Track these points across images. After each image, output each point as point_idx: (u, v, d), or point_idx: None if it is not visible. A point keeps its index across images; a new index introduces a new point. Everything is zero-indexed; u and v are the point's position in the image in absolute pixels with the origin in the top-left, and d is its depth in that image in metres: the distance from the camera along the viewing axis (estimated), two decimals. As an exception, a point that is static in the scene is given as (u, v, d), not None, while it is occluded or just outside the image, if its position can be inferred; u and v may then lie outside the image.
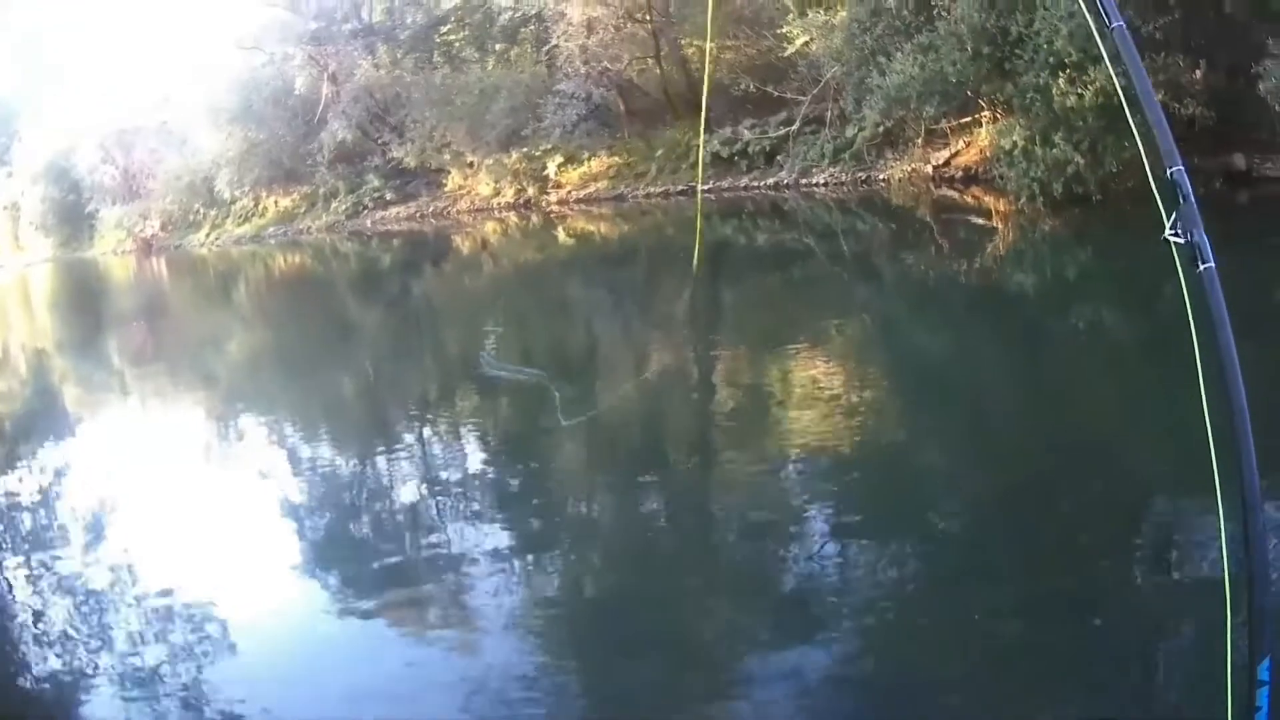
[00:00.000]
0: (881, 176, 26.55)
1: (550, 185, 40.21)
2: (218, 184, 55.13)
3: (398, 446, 12.87)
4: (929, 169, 25.22)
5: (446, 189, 44.17)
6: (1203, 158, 17.32)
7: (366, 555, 9.31)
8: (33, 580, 10.30)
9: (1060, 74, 18.08)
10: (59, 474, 14.76)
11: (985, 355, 12.69)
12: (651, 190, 35.76)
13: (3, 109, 37.46)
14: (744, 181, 31.63)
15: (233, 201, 56.48)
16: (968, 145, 24.80)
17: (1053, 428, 9.43)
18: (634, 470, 10.09)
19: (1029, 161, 18.83)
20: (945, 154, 25.14)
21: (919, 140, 25.93)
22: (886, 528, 7.84)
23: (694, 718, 6.08)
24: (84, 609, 9.21)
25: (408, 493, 11.11)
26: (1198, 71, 18.13)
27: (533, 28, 41.74)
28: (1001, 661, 5.99)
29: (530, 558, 8.69)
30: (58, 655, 8.32)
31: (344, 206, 49.15)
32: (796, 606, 7.05)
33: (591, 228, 34.75)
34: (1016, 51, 19.69)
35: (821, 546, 7.77)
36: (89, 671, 7.82)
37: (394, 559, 9.19)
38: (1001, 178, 20.47)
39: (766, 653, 6.58)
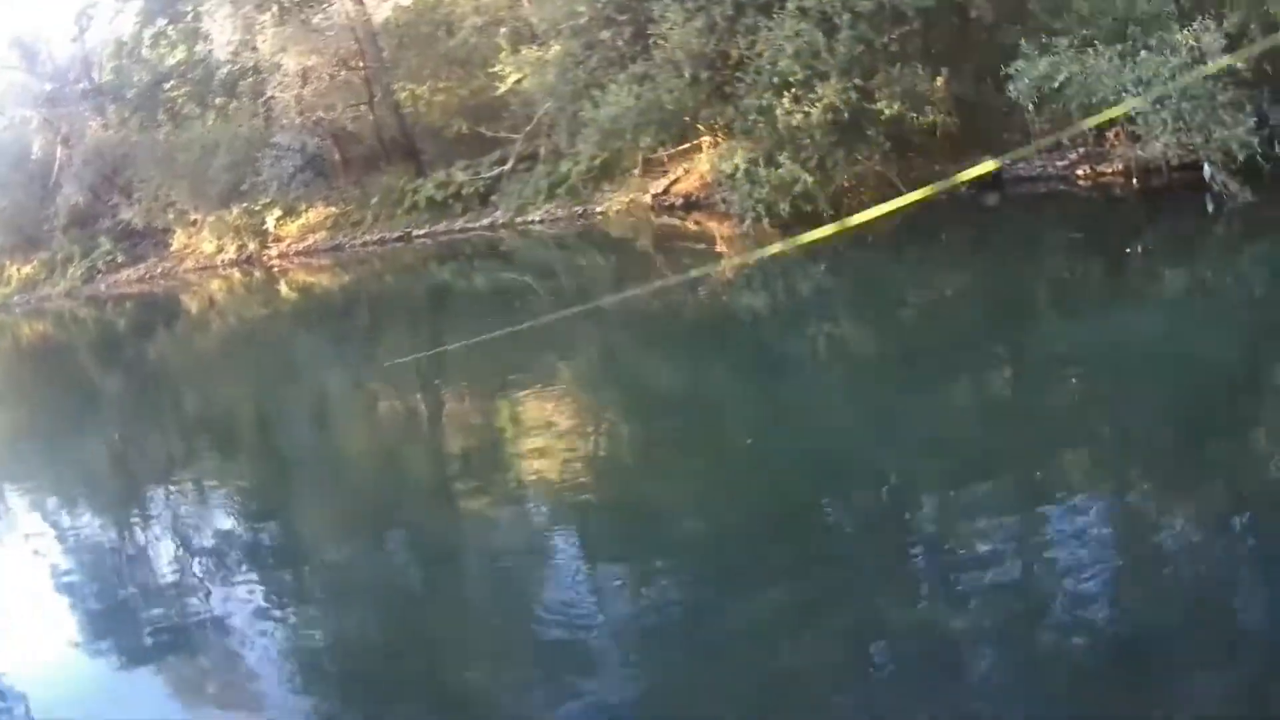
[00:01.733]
0: (599, 209, 24.94)
1: (270, 239, 37.25)
2: (-41, 251, 52.72)
3: (143, 507, 12.30)
4: (648, 198, 23.78)
5: (173, 248, 40.74)
6: (944, 164, 16.03)
7: (122, 608, 9.25)
8: None
9: (785, 93, 17.37)
10: None
11: (712, 381, 12.21)
12: (368, 238, 33.38)
13: None
14: (459, 224, 29.54)
15: (-23, 269, 54.07)
16: (687, 172, 23.49)
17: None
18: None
19: (752, 183, 17.70)
20: (664, 182, 23.80)
21: (636, 170, 24.55)
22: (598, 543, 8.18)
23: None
24: None
25: (160, 551, 10.70)
26: (939, 80, 17.51)
27: (250, 80, 38.43)
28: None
29: (279, 604, 8.60)
30: None
31: (79, 271, 44.83)
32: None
33: (312, 279, 32.51)
34: (738, 74, 18.71)
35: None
36: None
37: (154, 612, 8.98)
38: (724, 201, 19.32)
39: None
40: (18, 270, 48.80)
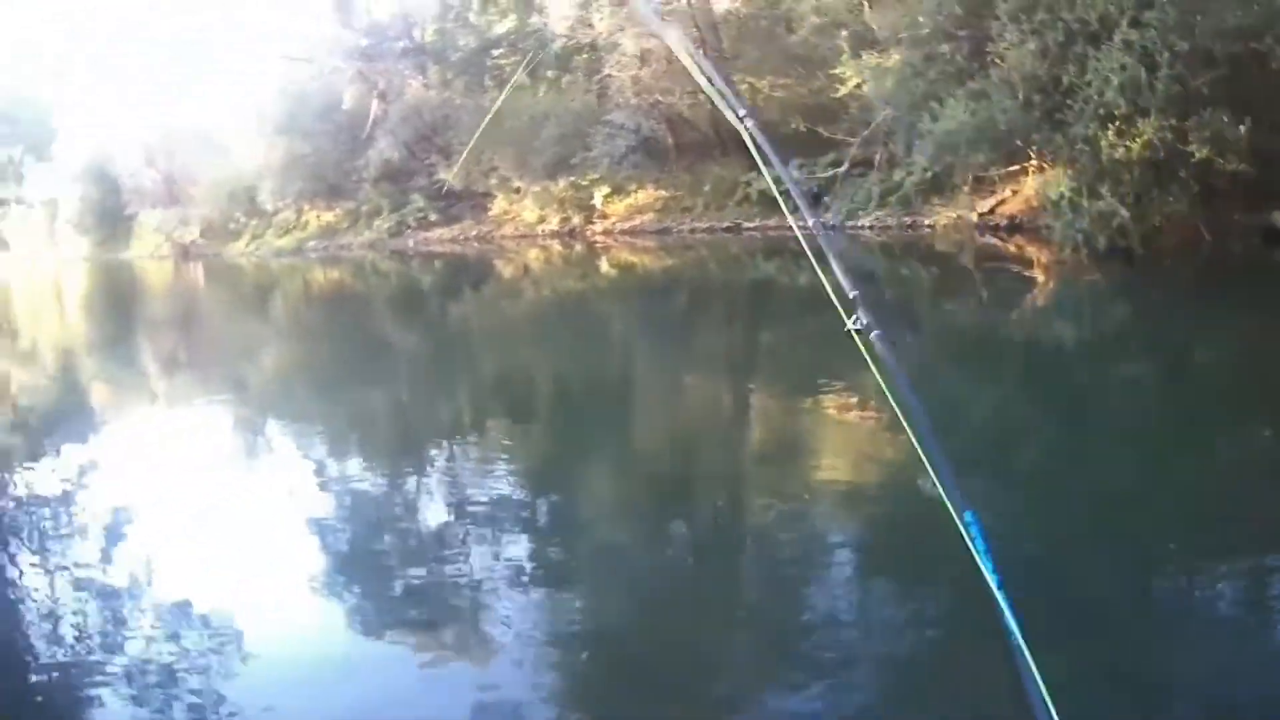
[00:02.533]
0: (927, 222, 26.92)
1: (596, 215, 40.80)
2: (260, 194, 56.18)
3: (424, 468, 12.79)
4: (974, 216, 25.62)
5: (491, 213, 44.85)
6: (1242, 214, 17.91)
7: (386, 570, 9.49)
8: (49, 576, 10.36)
9: (1110, 125, 18.34)
10: (82, 473, 14.49)
11: (1020, 406, 12.78)
12: (697, 225, 36.29)
13: (43, 106, 38.42)
14: (790, 221, 31.41)
15: (274, 213, 57.39)
16: (1014, 194, 25.10)
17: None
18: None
19: (1075, 213, 19.06)
20: (991, 202, 25.50)
21: (965, 187, 26.22)
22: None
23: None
24: (99, 610, 9.11)
25: (434, 514, 11.15)
26: (1241, 127, 18.10)
27: (585, 56, 42.31)
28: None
29: (539, 579, 8.79)
30: (70, 652, 8.30)
31: (387, 225, 49.80)
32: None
33: (635, 259, 35.29)
34: (1067, 101, 19.95)
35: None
36: (100, 672, 7.73)
37: (416, 576, 9.30)
38: (1047, 228, 20.69)
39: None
40: (316, 217, 54.69)
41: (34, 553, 11.27)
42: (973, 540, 3.21)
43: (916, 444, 3.55)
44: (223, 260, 59.56)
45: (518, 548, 9.69)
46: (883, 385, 3.76)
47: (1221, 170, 17.78)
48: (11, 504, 13.45)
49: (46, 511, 12.80)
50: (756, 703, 6.50)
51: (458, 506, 11.00)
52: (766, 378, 16.64)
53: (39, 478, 14.41)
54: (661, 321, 23.27)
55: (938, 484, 3.39)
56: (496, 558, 9.35)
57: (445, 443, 14.01)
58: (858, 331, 3.85)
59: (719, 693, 6.74)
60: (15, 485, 14.22)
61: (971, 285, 21.13)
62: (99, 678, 7.54)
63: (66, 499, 13.25)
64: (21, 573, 10.54)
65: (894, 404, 3.72)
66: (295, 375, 21.62)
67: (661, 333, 21.80)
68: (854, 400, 13.10)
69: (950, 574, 6.93)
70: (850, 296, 3.92)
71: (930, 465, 3.46)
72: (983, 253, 24.00)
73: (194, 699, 7.18)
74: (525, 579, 8.71)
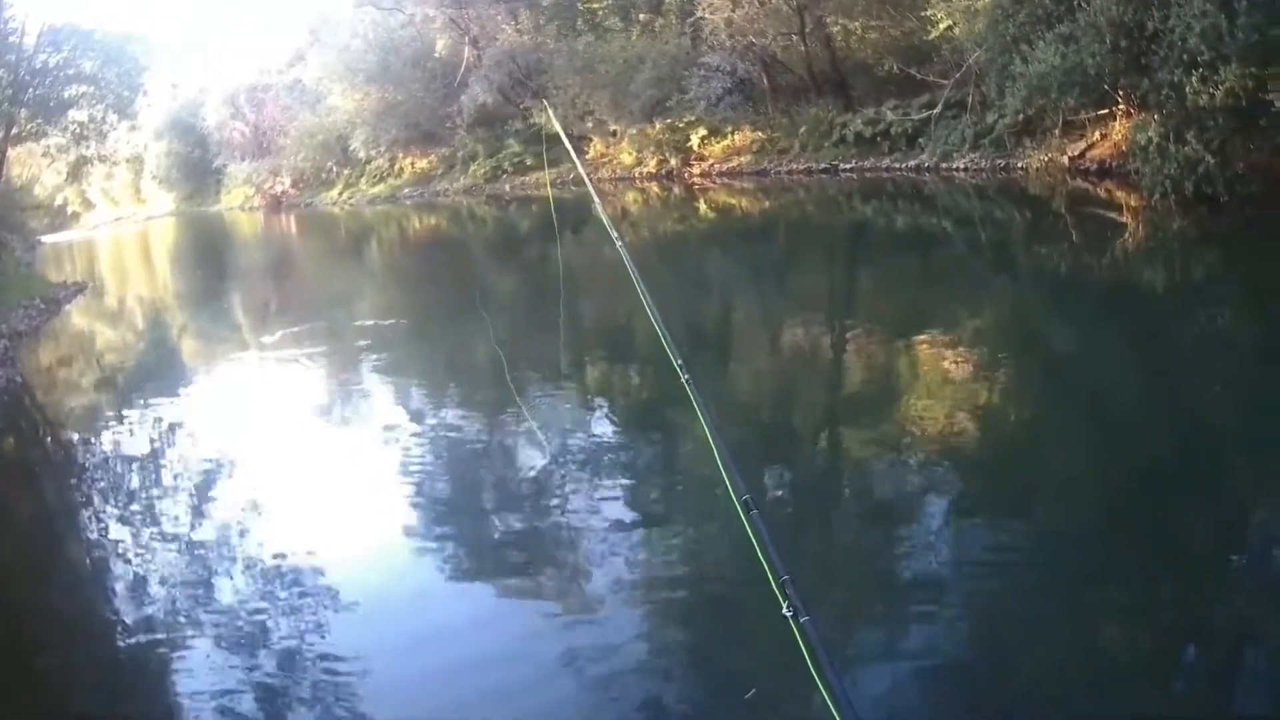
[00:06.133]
0: (1019, 164, 27.23)
1: (693, 157, 41.60)
2: (352, 143, 57.32)
3: (523, 412, 12.67)
4: (1065, 160, 25.86)
5: (588, 156, 45.35)
6: None
7: (483, 515, 9.86)
8: (134, 530, 10.89)
9: (1193, 72, 18.76)
10: (174, 427, 15.21)
11: (1111, 352, 12.82)
12: (794, 167, 37.00)
13: (127, 61, 39.70)
14: (885, 163, 32.88)
15: (367, 161, 58.66)
16: (1103, 138, 25.38)
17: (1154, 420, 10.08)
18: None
19: (1163, 158, 19.42)
20: (1081, 145, 25.75)
21: (1056, 130, 26.65)
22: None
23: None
24: (192, 561, 9.66)
25: (531, 458, 11.11)
26: None
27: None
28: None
29: (634, 524, 9.05)
30: (162, 602, 8.85)
31: (483, 170, 50.99)
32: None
33: (732, 201, 35.82)
34: (1152, 47, 20.64)
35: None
36: (198, 619, 8.29)
37: (515, 521, 9.59)
38: (1136, 173, 21.02)
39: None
40: (411, 164, 55.91)
41: (131, 499, 12.20)
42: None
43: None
44: (315, 209, 60.60)
45: (615, 490, 10.00)
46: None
47: None
48: (113, 451, 14.48)
49: (146, 458, 13.92)
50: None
51: (556, 450, 11.19)
52: (866, 319, 16.82)
53: (135, 428, 15.52)
54: (761, 263, 23.80)
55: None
56: (594, 501, 9.65)
57: (545, 386, 14.25)
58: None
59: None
60: (115, 434, 15.27)
61: (1064, 228, 21.49)
62: (192, 627, 8.21)
63: (164, 446, 14.44)
64: (121, 517, 11.44)
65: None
66: (392, 320, 22.23)
67: (761, 275, 22.37)
68: (948, 339, 13.71)
69: (1036, 510, 8.22)
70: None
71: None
72: (1074, 196, 24.09)
73: (287, 645, 7.76)
74: (624, 521, 9.09)
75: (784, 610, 3.84)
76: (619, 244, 8.29)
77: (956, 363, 12.90)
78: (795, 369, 14.47)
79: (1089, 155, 25.38)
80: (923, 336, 13.99)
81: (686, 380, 5.90)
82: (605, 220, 9.79)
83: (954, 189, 28.65)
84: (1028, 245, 21.47)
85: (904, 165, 32.35)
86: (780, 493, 9.71)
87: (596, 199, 11.49)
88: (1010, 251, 21.48)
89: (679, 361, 6.12)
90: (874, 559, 8.09)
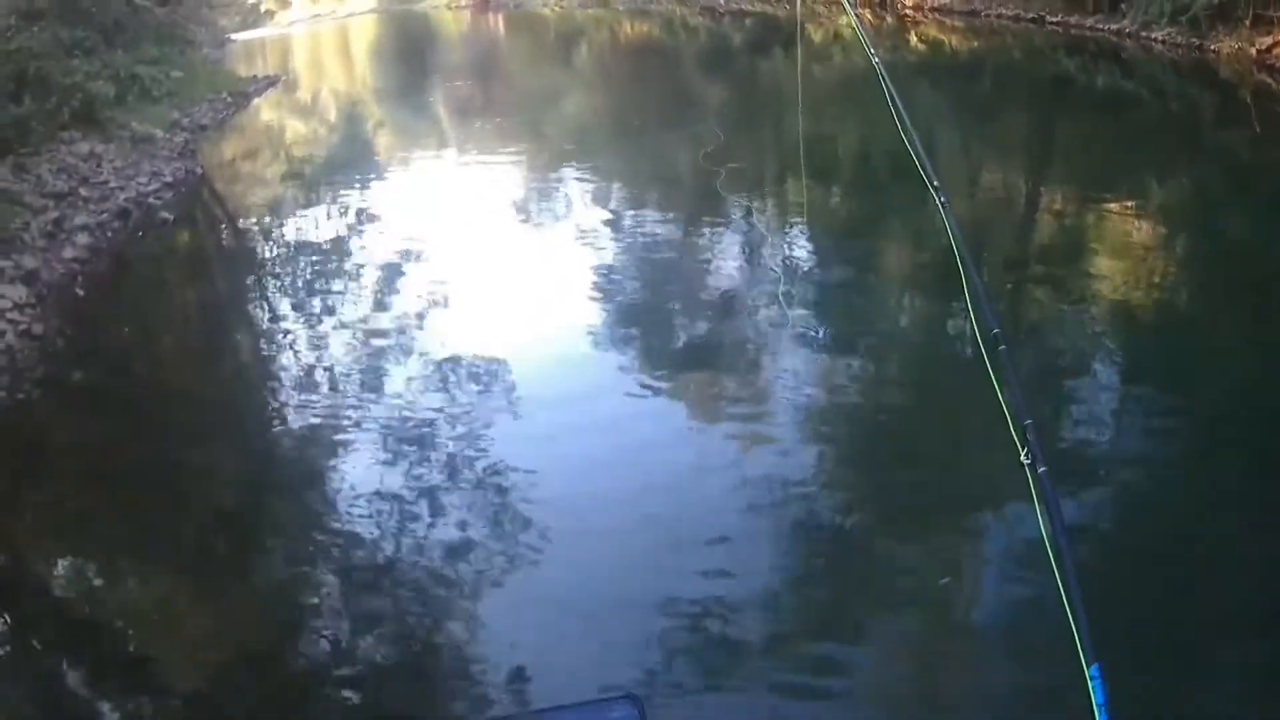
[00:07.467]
0: (1212, 47, 27.85)
1: None
2: (572, -59, 55.66)
3: (718, 224, 12.99)
4: (1253, 51, 26.48)
5: None
6: None
7: (667, 325, 9.96)
8: (308, 320, 10.84)
9: None
10: (362, 219, 15.41)
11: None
12: (1004, 11, 38.12)
13: None
14: (1089, 21, 34.00)
15: (627, -35, 56.99)
16: None
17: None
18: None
19: None
20: (1268, 40, 26.24)
21: (1247, 21, 27.11)
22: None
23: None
24: (366, 356, 9.74)
25: (723, 271, 11.32)
26: None
27: None
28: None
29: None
30: (330, 396, 8.91)
31: None
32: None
33: (942, 37, 37.78)
34: None
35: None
36: (366, 416, 8.34)
37: (697, 333, 9.74)
38: None
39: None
40: None
41: (307, 290, 12.34)
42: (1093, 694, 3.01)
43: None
44: (525, 9, 60.43)
45: (802, 310, 10.12)
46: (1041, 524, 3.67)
47: None
48: (293, 241, 14.78)
49: (327, 250, 14.19)
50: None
51: (746, 265, 11.39)
52: (1059, 173, 17.35)
53: (320, 220, 15.89)
54: (965, 103, 24.67)
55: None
56: (777, 319, 9.78)
57: (742, 200, 14.41)
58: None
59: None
60: (297, 225, 15.60)
61: (1248, 119, 21.66)
62: (356, 428, 8.25)
63: (349, 238, 14.76)
64: (295, 306, 11.61)
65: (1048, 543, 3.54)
66: (595, 125, 23.04)
67: (963, 115, 23.16)
68: (1132, 205, 14.22)
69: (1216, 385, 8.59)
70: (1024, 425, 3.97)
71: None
72: (1259, 89, 24.10)
73: (454, 449, 7.78)
74: (810, 343, 9.22)
75: (1022, 457, 3.68)
76: (874, 60, 8.53)
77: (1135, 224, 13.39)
78: (1012, 216, 14.98)
79: (1274, 52, 25.89)
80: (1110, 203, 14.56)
81: (943, 203, 5.92)
82: (861, 34, 10.32)
83: (1150, 60, 29.10)
84: (1212, 129, 22.32)
85: (1106, 27, 32.75)
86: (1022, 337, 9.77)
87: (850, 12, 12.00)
88: (1197, 126, 22.47)
89: (935, 182, 6.13)
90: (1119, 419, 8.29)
